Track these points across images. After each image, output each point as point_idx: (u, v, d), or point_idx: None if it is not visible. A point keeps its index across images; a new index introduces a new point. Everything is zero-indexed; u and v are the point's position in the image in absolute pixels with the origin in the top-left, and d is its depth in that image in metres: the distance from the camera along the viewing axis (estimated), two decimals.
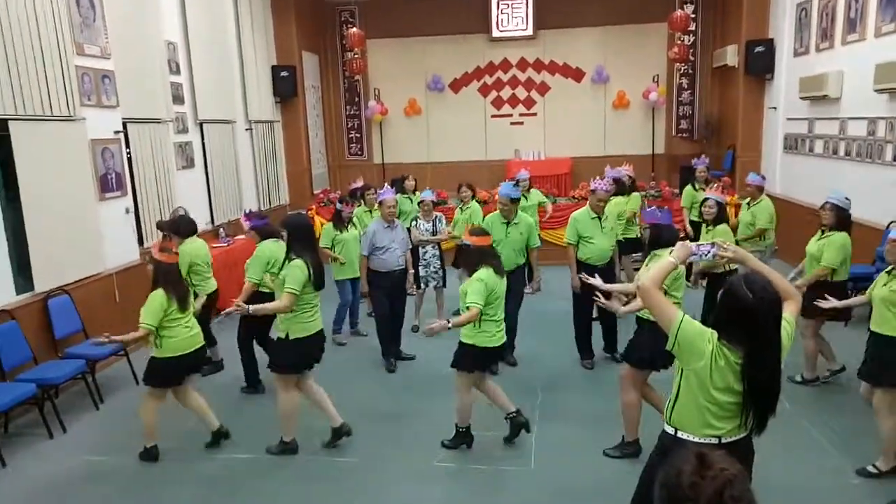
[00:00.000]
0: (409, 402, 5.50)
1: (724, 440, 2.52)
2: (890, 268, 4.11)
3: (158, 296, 4.36)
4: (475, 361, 4.46)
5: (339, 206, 7.00)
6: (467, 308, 4.27)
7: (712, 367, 2.47)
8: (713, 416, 2.52)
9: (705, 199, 6.04)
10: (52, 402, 5.16)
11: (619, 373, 4.58)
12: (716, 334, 2.50)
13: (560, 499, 4.06)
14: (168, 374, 4.49)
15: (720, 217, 5.90)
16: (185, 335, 4.47)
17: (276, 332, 4.60)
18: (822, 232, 5.24)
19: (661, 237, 4.44)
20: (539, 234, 6.37)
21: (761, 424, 2.54)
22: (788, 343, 2.56)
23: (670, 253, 2.82)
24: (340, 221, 6.85)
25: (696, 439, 2.54)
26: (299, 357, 4.49)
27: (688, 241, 2.87)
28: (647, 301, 2.64)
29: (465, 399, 4.52)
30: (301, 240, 4.45)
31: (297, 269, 4.28)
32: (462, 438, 4.61)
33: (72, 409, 5.46)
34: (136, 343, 4.70)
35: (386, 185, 7.32)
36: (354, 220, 7.03)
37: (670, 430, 2.64)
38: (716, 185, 6.91)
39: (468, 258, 4.52)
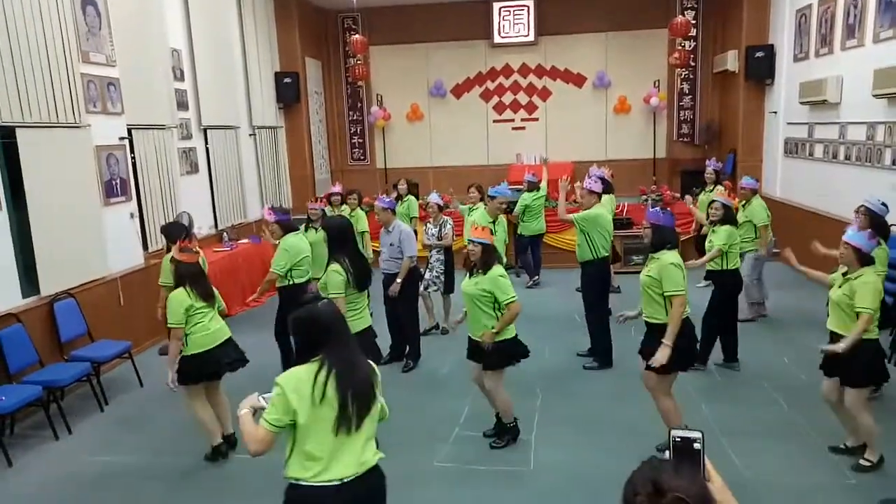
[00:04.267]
0: (406, 402, 5.49)
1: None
2: (845, 269, 4.07)
3: (177, 294, 4.42)
4: (509, 356, 4.55)
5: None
6: (507, 306, 4.34)
7: (326, 393, 2.42)
8: (333, 433, 2.46)
9: (712, 202, 6.05)
10: (57, 404, 5.23)
11: (643, 382, 4.45)
12: (308, 367, 2.46)
13: (559, 500, 4.08)
14: (195, 371, 4.51)
15: (727, 219, 5.86)
16: (206, 331, 4.49)
17: None
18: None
19: (663, 239, 4.25)
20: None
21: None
22: None
23: None
24: (309, 223, 6.99)
25: (336, 472, 2.46)
26: None
27: (255, 394, 2.59)
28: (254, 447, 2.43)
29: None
30: (337, 242, 4.59)
31: (335, 274, 4.45)
32: (512, 433, 4.73)
33: (77, 410, 5.53)
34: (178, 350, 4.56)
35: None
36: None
37: (318, 483, 2.43)
38: (723, 188, 6.83)
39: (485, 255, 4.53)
